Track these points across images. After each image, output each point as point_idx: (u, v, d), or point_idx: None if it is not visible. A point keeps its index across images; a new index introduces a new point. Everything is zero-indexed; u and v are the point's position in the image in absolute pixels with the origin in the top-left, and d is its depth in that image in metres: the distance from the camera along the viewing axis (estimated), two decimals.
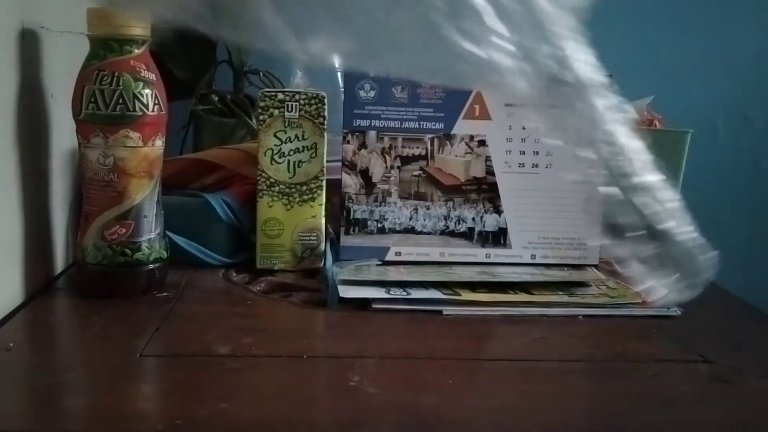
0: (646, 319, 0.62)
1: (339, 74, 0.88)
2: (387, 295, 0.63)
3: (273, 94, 0.70)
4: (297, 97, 0.70)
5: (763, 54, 1.18)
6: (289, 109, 0.70)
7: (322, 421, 0.45)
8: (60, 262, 0.69)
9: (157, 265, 0.63)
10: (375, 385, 0.47)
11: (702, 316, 0.64)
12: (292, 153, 0.70)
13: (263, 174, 0.70)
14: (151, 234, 0.62)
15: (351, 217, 0.72)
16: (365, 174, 0.72)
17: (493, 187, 0.72)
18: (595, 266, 0.73)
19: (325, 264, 0.72)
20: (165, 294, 0.63)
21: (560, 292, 0.66)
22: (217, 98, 0.96)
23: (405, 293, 0.63)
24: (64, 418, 0.43)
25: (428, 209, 0.72)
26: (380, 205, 0.72)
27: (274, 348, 0.53)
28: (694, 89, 1.16)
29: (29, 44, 0.61)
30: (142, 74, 0.60)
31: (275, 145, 0.70)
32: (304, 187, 0.71)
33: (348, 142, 0.72)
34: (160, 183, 0.64)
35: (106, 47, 0.59)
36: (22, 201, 0.60)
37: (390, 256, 0.72)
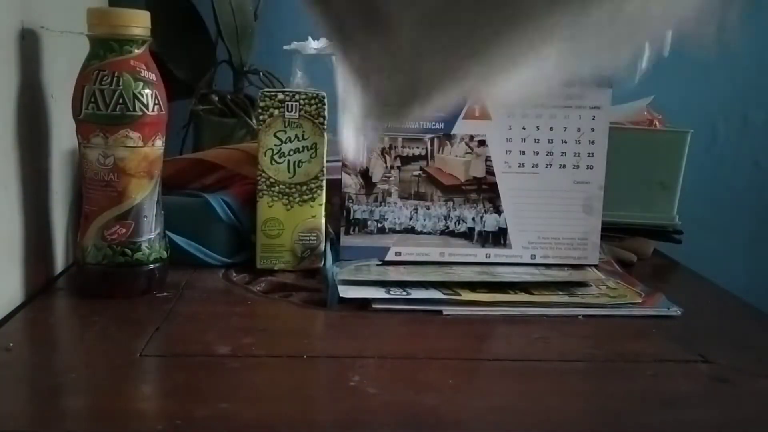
0: (646, 319, 0.62)
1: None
2: (387, 295, 0.63)
3: (273, 94, 0.70)
4: (297, 97, 0.70)
5: (763, 54, 1.18)
6: (289, 109, 0.70)
7: (322, 421, 0.45)
8: (60, 262, 0.69)
9: (157, 265, 0.63)
10: (375, 385, 0.47)
11: (702, 316, 0.64)
12: (292, 153, 0.70)
13: (263, 174, 0.70)
14: (151, 234, 0.62)
15: (351, 217, 0.72)
16: (365, 174, 0.72)
17: (493, 187, 0.72)
18: (595, 266, 0.73)
19: (325, 264, 0.72)
20: (165, 294, 0.63)
21: (560, 292, 0.66)
22: (217, 98, 0.96)
23: (405, 293, 0.63)
24: (64, 418, 0.43)
25: (428, 209, 0.72)
26: (380, 205, 0.72)
27: (274, 348, 0.53)
28: (694, 89, 1.16)
29: (29, 44, 0.61)
30: (142, 74, 0.60)
31: (275, 145, 0.70)
32: (304, 187, 0.71)
33: None
34: (160, 183, 0.64)
35: (106, 47, 0.59)
36: (22, 201, 0.60)
37: (390, 256, 0.72)
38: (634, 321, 0.62)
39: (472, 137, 0.72)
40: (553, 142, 0.72)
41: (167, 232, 0.66)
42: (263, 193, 0.71)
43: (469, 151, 0.72)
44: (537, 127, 0.72)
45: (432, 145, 0.72)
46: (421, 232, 0.72)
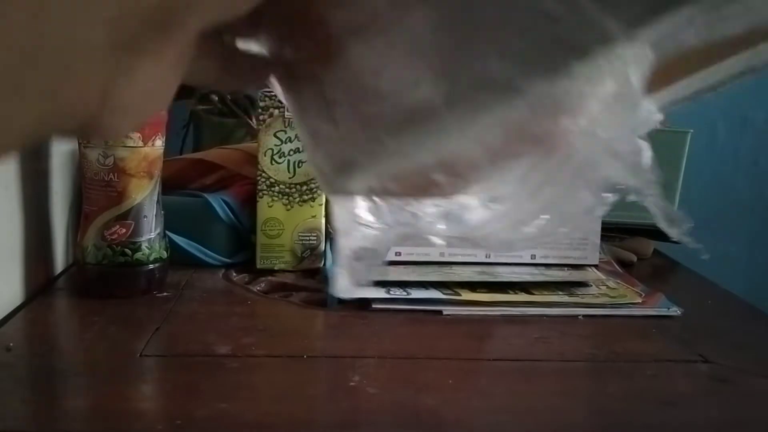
0: (646, 319, 0.62)
1: None
2: (387, 295, 0.63)
3: (273, 94, 0.70)
4: None
5: None
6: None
7: (322, 421, 0.45)
8: (60, 262, 0.69)
9: (157, 265, 0.63)
10: (375, 385, 0.47)
11: (702, 316, 0.64)
12: (292, 153, 0.70)
13: (263, 174, 0.70)
14: (151, 234, 0.62)
15: None
16: None
17: None
18: (595, 266, 0.73)
19: (325, 264, 0.72)
20: (165, 294, 0.63)
21: (560, 292, 0.66)
22: (217, 98, 0.96)
23: (405, 293, 0.63)
24: (64, 418, 0.43)
25: None
26: None
27: (274, 348, 0.53)
28: None
29: None
30: None
31: (275, 145, 0.70)
32: (304, 187, 0.71)
33: None
34: (160, 183, 0.64)
35: None
36: (22, 201, 0.60)
37: (390, 256, 0.72)
38: (634, 321, 0.62)
39: None
40: None
41: (167, 232, 0.66)
42: (263, 193, 0.71)
43: None
44: None
45: None
46: None
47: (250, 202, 0.72)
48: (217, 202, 0.71)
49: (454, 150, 0.23)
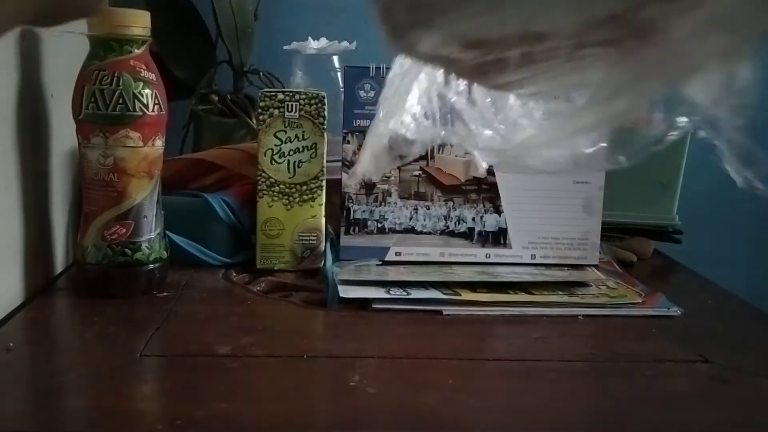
0: (646, 319, 0.62)
1: (339, 74, 0.88)
2: (387, 295, 0.63)
3: (273, 94, 0.70)
4: (297, 97, 0.70)
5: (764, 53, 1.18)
6: (289, 109, 0.70)
7: (322, 421, 0.45)
8: (60, 262, 0.69)
9: (157, 265, 0.63)
10: (375, 385, 0.47)
11: (702, 316, 0.64)
12: (292, 153, 0.70)
13: (263, 174, 0.70)
14: (151, 234, 0.62)
15: (351, 217, 0.72)
16: None
17: (493, 187, 0.72)
18: (595, 266, 0.73)
19: (325, 264, 0.72)
20: (165, 294, 0.63)
21: (560, 292, 0.66)
22: (217, 98, 0.96)
23: (405, 293, 0.63)
24: (64, 418, 0.43)
25: (428, 209, 0.72)
26: (380, 205, 0.72)
27: (274, 348, 0.53)
28: None
29: (29, 44, 0.61)
30: (142, 74, 0.60)
31: (275, 145, 0.70)
32: (304, 187, 0.71)
33: (348, 142, 0.72)
34: (160, 183, 0.64)
35: (106, 47, 0.59)
36: (22, 201, 0.60)
37: (390, 256, 0.72)
38: (634, 321, 0.62)
39: None
40: None
41: (167, 232, 0.66)
42: (263, 193, 0.71)
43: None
44: None
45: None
46: (421, 232, 0.72)
47: (250, 202, 0.72)
48: (217, 202, 0.71)
49: (542, 22, 0.21)
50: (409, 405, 0.45)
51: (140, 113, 0.59)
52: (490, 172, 0.72)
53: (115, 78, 0.59)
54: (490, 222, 0.73)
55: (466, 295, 0.64)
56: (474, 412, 0.45)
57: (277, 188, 0.71)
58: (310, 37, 0.90)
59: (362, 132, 0.71)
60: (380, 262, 0.71)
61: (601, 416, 0.46)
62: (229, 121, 0.95)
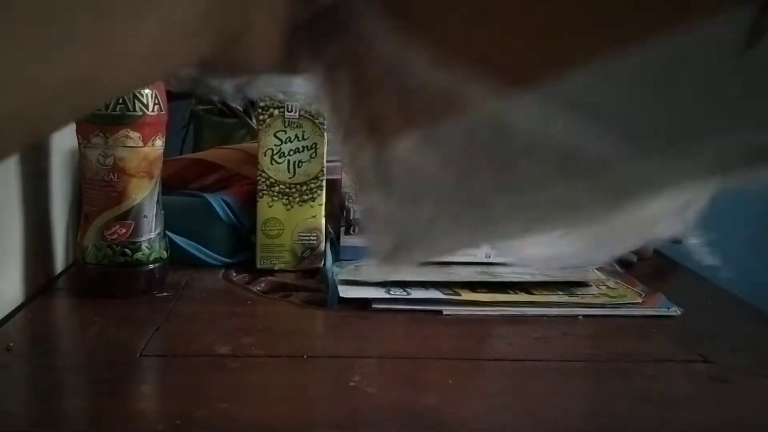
0: (646, 319, 0.62)
1: None
2: (387, 295, 0.63)
3: (272, 93, 0.70)
4: (297, 96, 0.70)
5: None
6: (289, 109, 0.70)
7: (322, 421, 0.45)
8: (60, 262, 0.69)
9: (157, 265, 0.63)
10: (375, 385, 0.47)
11: (702, 316, 0.64)
12: (292, 153, 0.70)
13: (263, 174, 0.70)
14: (151, 234, 0.62)
15: (351, 217, 0.72)
16: None
17: None
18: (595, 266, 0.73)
19: (325, 264, 0.72)
20: (165, 294, 0.63)
21: (560, 292, 0.66)
22: (217, 98, 0.96)
23: (405, 293, 0.63)
24: (64, 418, 0.43)
25: None
26: None
27: (274, 348, 0.53)
28: None
29: None
30: None
31: (275, 145, 0.70)
32: (304, 187, 0.71)
33: None
34: (160, 183, 0.64)
35: None
36: (22, 201, 0.60)
37: None
38: (634, 321, 0.62)
39: None
40: None
41: (167, 232, 0.66)
42: (263, 193, 0.71)
43: None
44: None
45: None
46: None
47: (250, 202, 0.72)
48: (217, 202, 0.71)
49: (501, 233, 0.25)
50: (409, 405, 0.45)
51: (140, 113, 0.59)
52: None
53: None
54: None
55: (466, 295, 0.64)
56: (474, 412, 0.45)
57: (277, 188, 0.71)
58: None
59: None
60: None
61: (601, 416, 0.46)
62: (229, 121, 0.95)
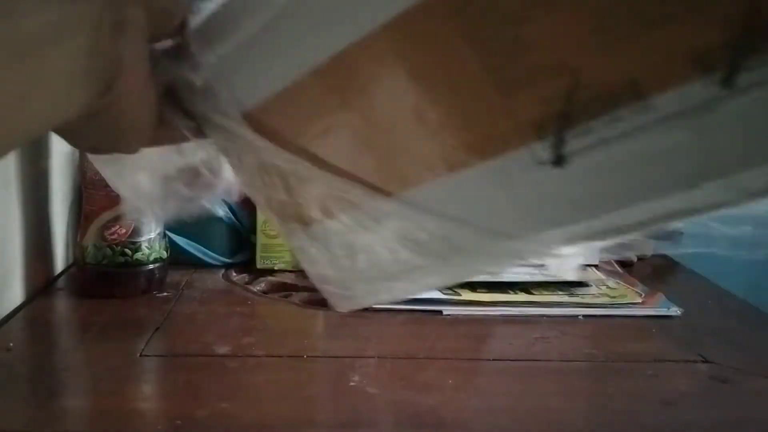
0: (646, 319, 0.62)
1: None
2: None
3: None
4: None
5: None
6: None
7: (322, 421, 0.45)
8: (60, 262, 0.69)
9: (157, 265, 0.63)
10: (375, 385, 0.47)
11: (702, 316, 0.64)
12: None
13: None
14: (151, 234, 0.62)
15: None
16: None
17: None
18: (595, 266, 0.73)
19: None
20: (165, 294, 0.63)
21: (560, 292, 0.66)
22: None
23: None
24: (64, 418, 0.43)
25: None
26: None
27: (274, 348, 0.53)
28: None
29: None
30: None
31: None
32: None
33: None
34: None
35: None
36: (22, 201, 0.60)
37: None
38: (634, 321, 0.62)
39: None
40: None
41: (167, 232, 0.66)
42: None
43: None
44: None
45: None
46: None
47: (250, 202, 0.72)
48: (217, 202, 0.71)
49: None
50: (409, 405, 0.45)
51: None
52: None
53: None
54: None
55: (466, 295, 0.64)
56: (474, 412, 0.45)
57: None
58: None
59: None
60: None
61: (600, 416, 0.46)
62: None
